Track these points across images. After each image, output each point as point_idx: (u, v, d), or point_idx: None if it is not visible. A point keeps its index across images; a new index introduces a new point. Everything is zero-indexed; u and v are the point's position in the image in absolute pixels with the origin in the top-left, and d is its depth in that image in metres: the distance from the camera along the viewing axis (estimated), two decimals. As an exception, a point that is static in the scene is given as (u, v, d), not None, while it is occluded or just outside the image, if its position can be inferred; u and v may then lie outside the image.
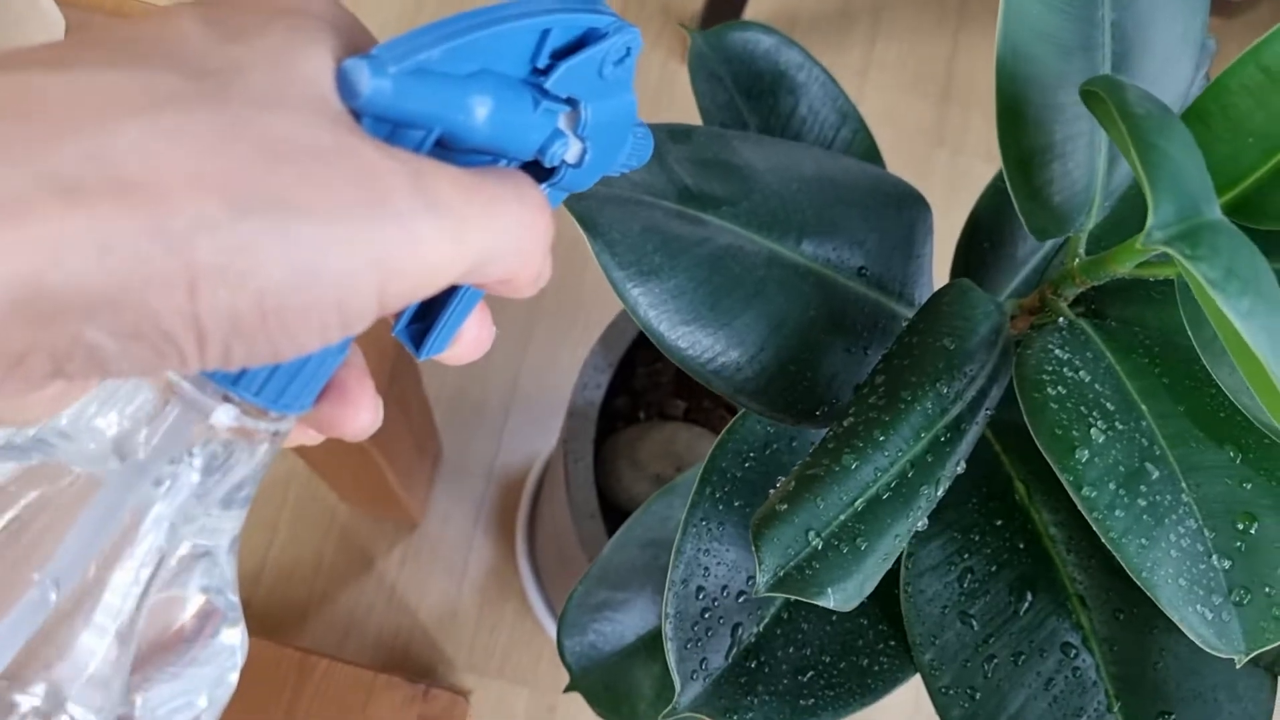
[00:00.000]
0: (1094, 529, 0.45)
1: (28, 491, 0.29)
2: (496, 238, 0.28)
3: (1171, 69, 0.49)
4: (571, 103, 0.31)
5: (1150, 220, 0.32)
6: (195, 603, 0.33)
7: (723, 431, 0.61)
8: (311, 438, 0.35)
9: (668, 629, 0.58)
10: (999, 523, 0.61)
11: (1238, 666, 0.46)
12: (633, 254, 0.51)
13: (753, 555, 0.60)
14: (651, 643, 0.76)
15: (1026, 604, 0.60)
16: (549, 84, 0.30)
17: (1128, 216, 0.53)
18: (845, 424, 0.47)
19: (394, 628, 1.33)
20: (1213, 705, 0.59)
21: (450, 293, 0.34)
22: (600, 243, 0.50)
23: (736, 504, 0.60)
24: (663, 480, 0.91)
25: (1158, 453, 0.48)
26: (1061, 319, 0.52)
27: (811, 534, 0.45)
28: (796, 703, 0.60)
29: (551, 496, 1.11)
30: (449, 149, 0.29)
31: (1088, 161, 0.48)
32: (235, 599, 0.34)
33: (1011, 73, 0.42)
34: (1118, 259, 0.48)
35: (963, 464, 0.49)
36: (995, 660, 0.59)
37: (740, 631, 0.60)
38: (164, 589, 0.31)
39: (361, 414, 0.33)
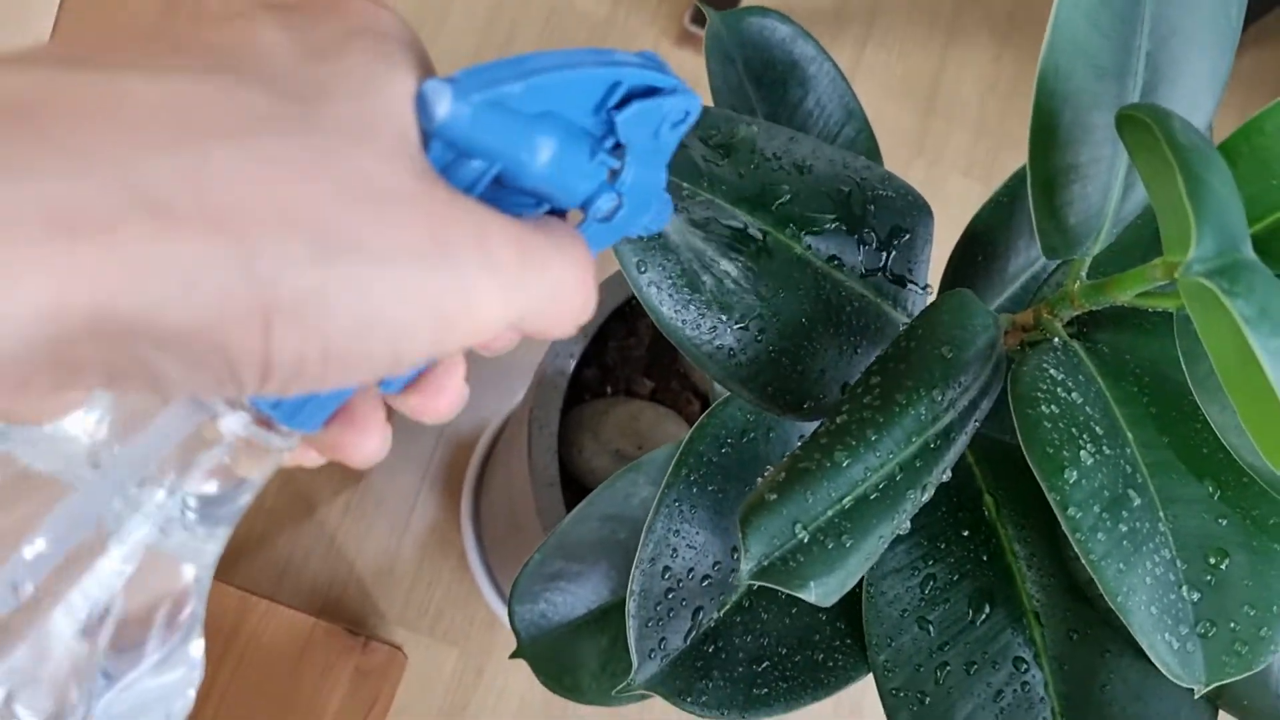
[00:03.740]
0: (1073, 549, 0.46)
1: None
2: (543, 298, 0.29)
3: (1196, 104, 0.49)
4: (619, 157, 0.32)
5: (1191, 253, 0.32)
6: (175, 588, 0.32)
7: (703, 415, 0.61)
8: (312, 460, 0.35)
9: (631, 606, 0.58)
10: (965, 533, 0.62)
11: (1196, 697, 0.46)
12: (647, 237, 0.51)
13: (722, 539, 0.60)
14: (601, 617, 0.76)
15: (984, 615, 0.61)
16: (617, 119, 0.30)
17: (1131, 245, 0.54)
18: (839, 421, 0.48)
19: (330, 576, 1.32)
20: (1155, 733, 0.60)
21: None
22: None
23: (710, 488, 0.60)
24: (624, 456, 0.91)
25: (1140, 481, 0.49)
26: (1056, 339, 0.53)
27: (799, 527, 0.45)
28: (750, 691, 0.60)
29: (506, 461, 1.11)
30: (504, 186, 0.30)
31: (1104, 187, 0.48)
32: (203, 613, 0.33)
33: (1051, 89, 0.42)
34: (1120, 285, 0.49)
35: (948, 472, 0.50)
36: (948, 668, 0.60)
37: (701, 615, 0.60)
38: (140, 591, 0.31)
39: (370, 440, 0.33)
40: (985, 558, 0.61)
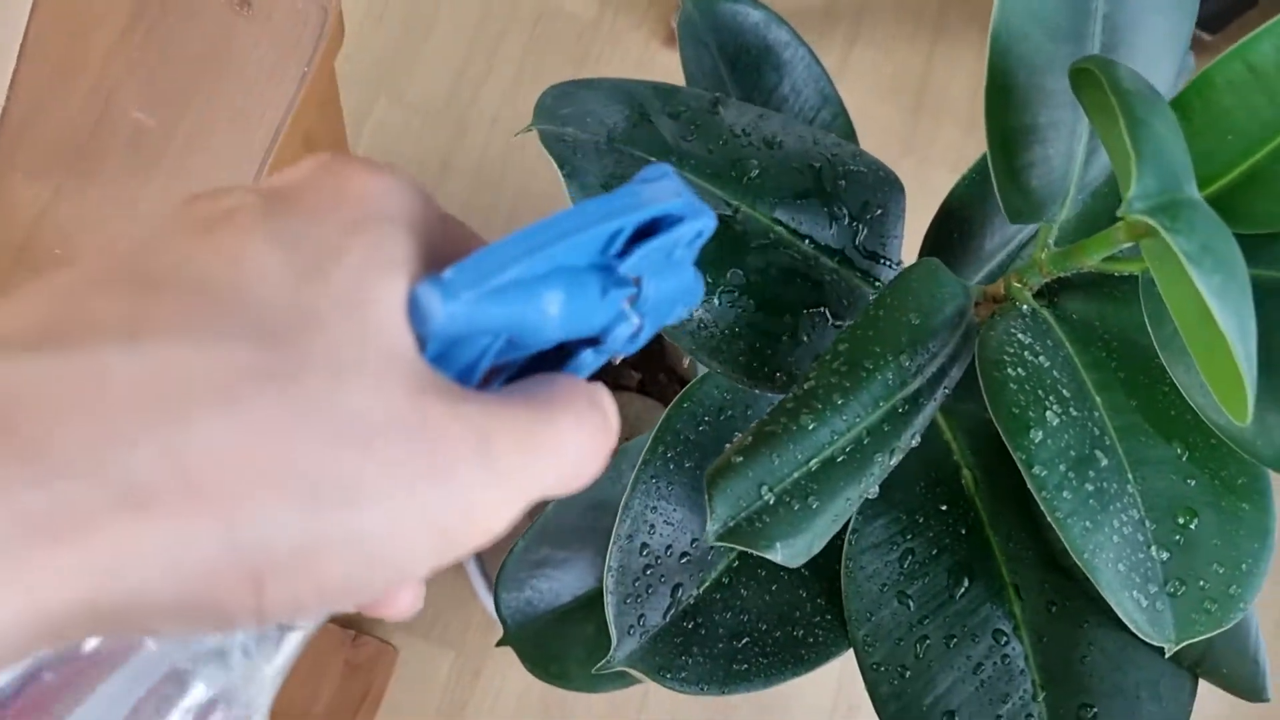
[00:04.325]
0: (1040, 510, 0.46)
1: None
2: (556, 476, 0.28)
3: (1156, 67, 0.49)
4: (636, 283, 0.30)
5: (1133, 190, 0.32)
6: None
7: (680, 393, 0.61)
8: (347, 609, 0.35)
9: (609, 582, 0.58)
10: (944, 508, 0.62)
11: (1167, 655, 0.46)
12: (611, 201, 0.51)
13: (700, 516, 0.60)
14: (588, 604, 0.76)
15: (963, 589, 0.61)
16: (620, 269, 0.29)
17: (1099, 212, 0.54)
18: (806, 386, 0.48)
19: (324, 580, 1.32)
20: (1134, 702, 0.60)
21: None
22: (575, 185, 0.50)
23: (688, 465, 0.60)
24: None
25: (1108, 443, 0.49)
26: (1025, 306, 0.53)
27: (764, 488, 0.45)
28: (730, 666, 0.60)
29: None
30: (514, 346, 0.29)
31: (1067, 151, 0.48)
32: None
33: (1004, 48, 0.43)
34: (1087, 250, 0.49)
35: (917, 438, 0.50)
36: (928, 641, 0.60)
37: (680, 592, 0.61)
38: None
39: (405, 598, 0.32)
40: (964, 532, 0.62)
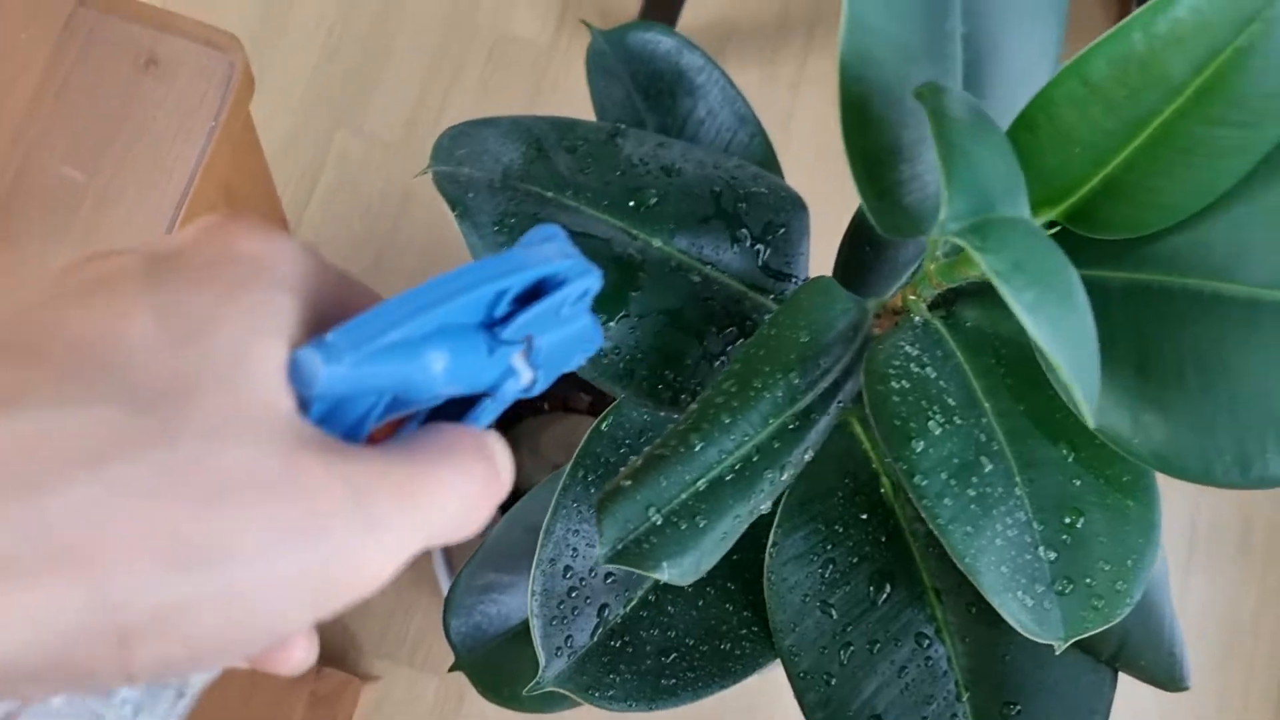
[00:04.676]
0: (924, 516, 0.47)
1: None
2: (439, 525, 0.28)
3: (1029, 80, 0.51)
4: (528, 339, 0.31)
5: (943, 212, 0.34)
6: None
7: (599, 418, 0.62)
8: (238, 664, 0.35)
9: (534, 606, 0.60)
10: (863, 516, 0.63)
11: (1057, 652, 0.48)
12: (505, 238, 0.53)
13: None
14: (535, 626, 0.77)
15: (885, 595, 0.62)
16: (507, 330, 0.30)
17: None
18: (696, 409, 0.49)
19: (304, 612, 1.34)
20: (1056, 698, 0.61)
21: None
22: (468, 224, 0.51)
23: (608, 488, 0.62)
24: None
25: (995, 448, 0.51)
26: (918, 318, 0.54)
27: (652, 510, 0.46)
28: (658, 682, 0.62)
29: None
30: (401, 403, 0.29)
31: (936, 166, 0.50)
32: None
33: (856, 75, 0.44)
34: (968, 261, 0.50)
35: (811, 452, 0.51)
36: (852, 648, 0.62)
37: (607, 612, 0.62)
38: None
39: (295, 653, 0.32)
40: (884, 539, 0.63)
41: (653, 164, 0.59)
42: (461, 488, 0.28)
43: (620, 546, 0.46)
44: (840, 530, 0.63)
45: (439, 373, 0.29)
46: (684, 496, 0.47)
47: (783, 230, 0.61)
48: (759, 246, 0.60)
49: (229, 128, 0.60)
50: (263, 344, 0.26)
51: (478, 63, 1.52)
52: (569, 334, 0.33)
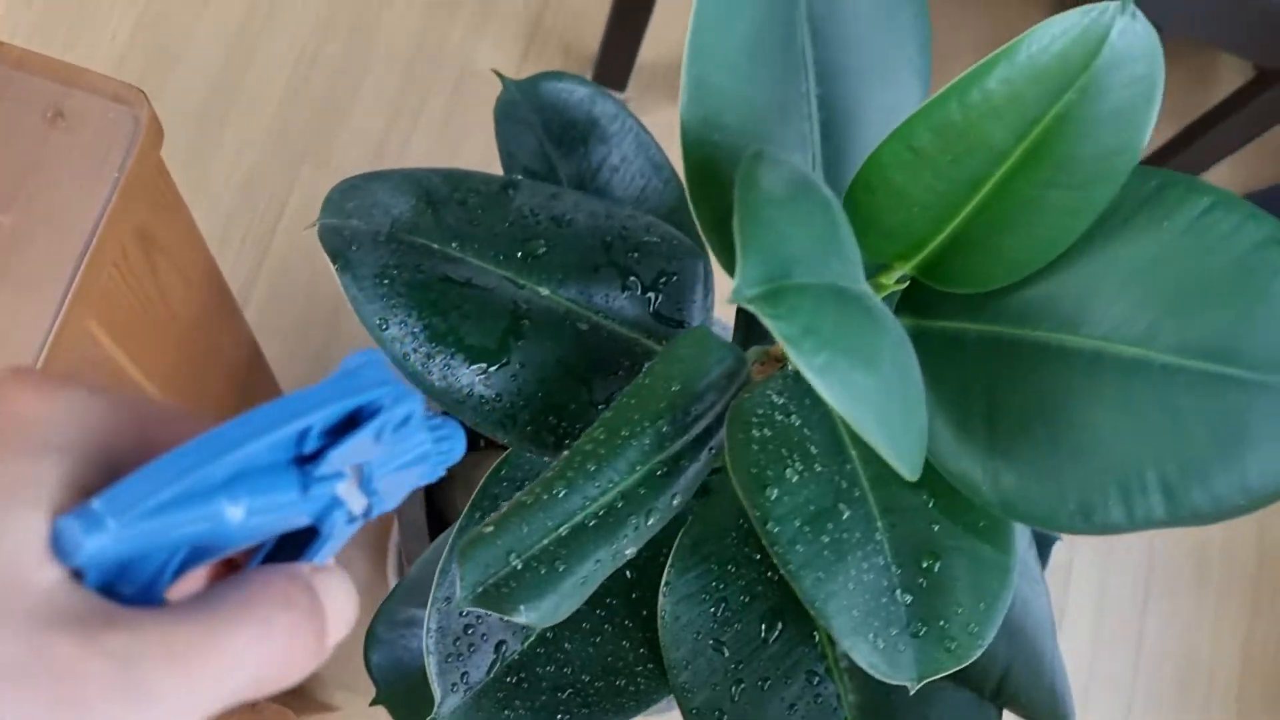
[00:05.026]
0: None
1: None
2: (246, 686, 0.27)
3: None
4: (357, 468, 0.30)
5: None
6: None
7: (499, 459, 0.64)
8: None
9: (429, 643, 0.62)
10: (756, 556, 0.65)
11: (911, 693, 0.49)
12: (385, 289, 0.54)
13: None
14: (456, 660, 0.79)
15: (776, 634, 0.64)
16: (317, 472, 0.29)
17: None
18: (565, 456, 0.51)
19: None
20: (942, 734, 0.63)
21: None
22: (348, 277, 0.53)
23: (506, 528, 0.63)
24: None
25: (857, 494, 0.52)
26: (790, 366, 0.56)
27: (512, 555, 0.48)
28: (553, 718, 0.63)
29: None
30: (206, 551, 0.28)
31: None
32: None
33: (699, 138, 0.46)
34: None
35: (681, 498, 0.53)
36: (743, 685, 0.63)
37: (504, 649, 0.64)
38: None
39: None
40: (775, 578, 0.64)
41: (544, 215, 0.60)
42: (261, 643, 0.27)
43: (480, 590, 0.47)
44: (733, 570, 0.64)
45: (237, 522, 0.27)
46: (545, 542, 0.49)
47: (675, 278, 0.63)
48: (650, 294, 0.62)
49: (138, 178, 0.62)
50: (16, 518, 0.25)
51: (443, 97, 1.55)
52: (407, 456, 0.32)
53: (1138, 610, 1.51)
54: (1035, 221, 0.47)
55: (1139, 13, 0.41)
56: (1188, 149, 1.40)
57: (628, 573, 0.66)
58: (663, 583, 0.63)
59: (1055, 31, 0.40)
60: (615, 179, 0.76)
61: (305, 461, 0.29)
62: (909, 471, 0.40)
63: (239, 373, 0.92)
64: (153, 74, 1.49)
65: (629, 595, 0.67)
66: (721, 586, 0.64)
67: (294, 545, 0.31)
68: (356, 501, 0.31)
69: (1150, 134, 0.44)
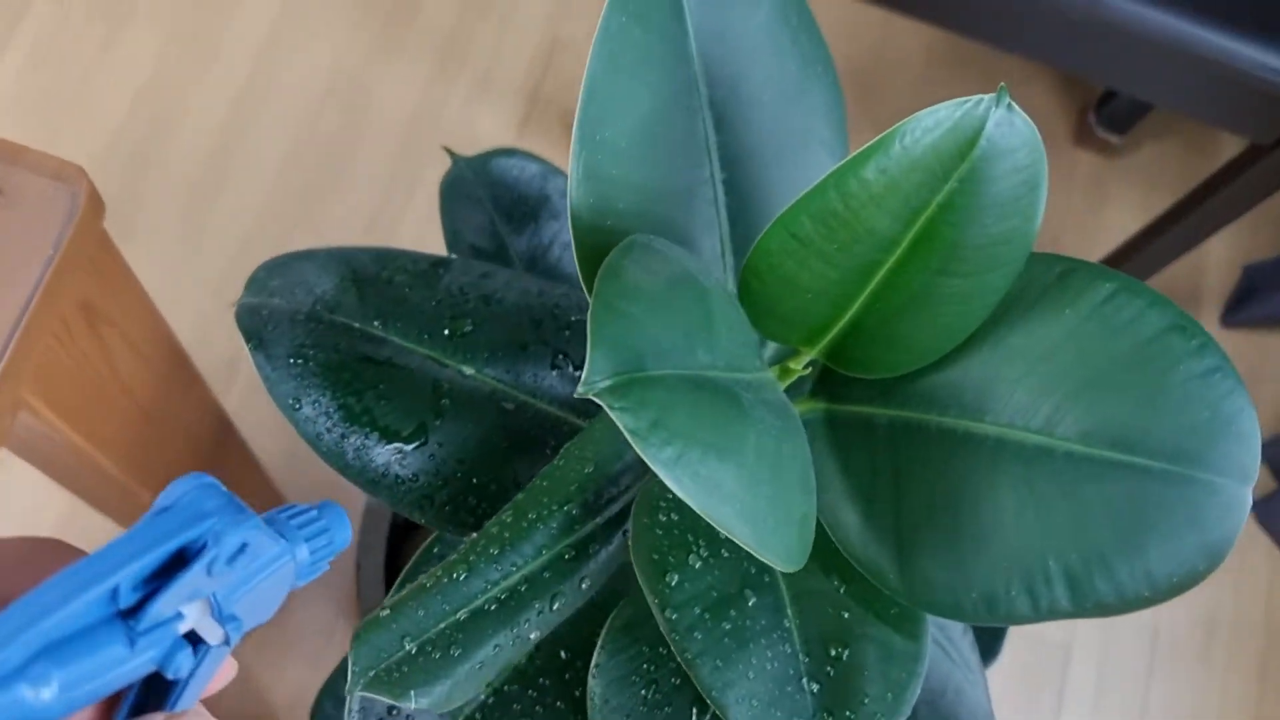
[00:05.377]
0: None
1: None
2: None
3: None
4: (206, 600, 0.29)
5: (585, 372, 0.35)
6: None
7: (428, 540, 0.64)
8: None
9: (351, 725, 0.61)
10: (690, 637, 0.64)
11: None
12: (299, 369, 0.55)
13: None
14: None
15: (707, 717, 0.63)
16: (141, 625, 0.28)
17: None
18: (470, 539, 0.51)
19: (240, 713, 1.35)
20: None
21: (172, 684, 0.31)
22: (261, 356, 0.53)
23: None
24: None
25: (766, 580, 0.52)
26: (709, 448, 0.56)
27: (407, 639, 0.48)
28: (479, 801, 0.62)
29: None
30: None
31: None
32: None
33: (592, 225, 0.46)
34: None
35: (588, 581, 0.53)
36: (673, 769, 0.62)
37: (432, 729, 0.63)
38: None
39: None
40: (709, 660, 0.64)
41: (473, 294, 0.61)
42: None
43: (371, 675, 0.47)
44: (664, 652, 0.63)
45: (54, 697, 0.26)
46: (442, 626, 0.48)
47: (607, 356, 0.63)
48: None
49: (81, 252, 0.63)
50: None
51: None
52: (261, 574, 0.30)
53: (1140, 689, 1.48)
54: (932, 308, 0.46)
55: (1014, 104, 0.41)
56: (1184, 219, 1.39)
57: (562, 653, 0.66)
58: (593, 664, 0.62)
59: (928, 124, 0.40)
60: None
61: (130, 614, 0.28)
62: (782, 563, 0.40)
63: (204, 445, 0.92)
64: (151, 144, 1.51)
65: (562, 676, 0.66)
66: (653, 669, 0.63)
67: (162, 685, 0.30)
68: (212, 633, 0.30)
69: (1040, 220, 0.44)
